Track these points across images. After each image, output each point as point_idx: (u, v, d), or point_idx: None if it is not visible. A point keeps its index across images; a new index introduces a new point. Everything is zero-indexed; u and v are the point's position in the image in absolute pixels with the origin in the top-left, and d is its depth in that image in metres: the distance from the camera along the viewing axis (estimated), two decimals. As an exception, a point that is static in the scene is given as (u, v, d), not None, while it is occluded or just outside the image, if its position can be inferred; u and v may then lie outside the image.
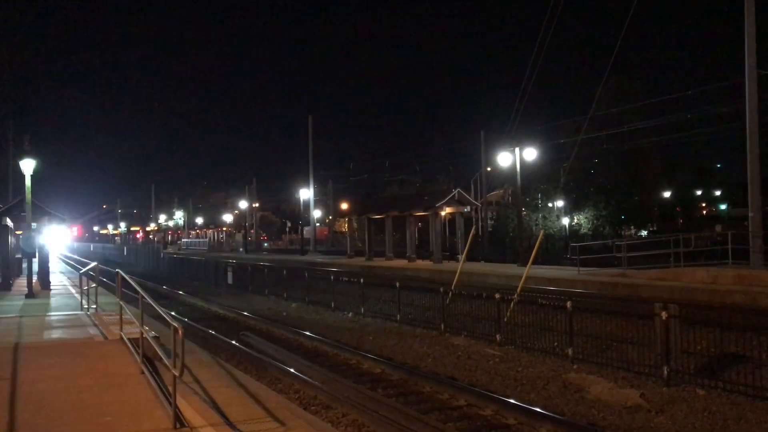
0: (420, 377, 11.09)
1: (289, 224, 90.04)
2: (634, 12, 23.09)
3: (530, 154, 28.89)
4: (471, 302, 15.10)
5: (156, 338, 8.75)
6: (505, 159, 29.32)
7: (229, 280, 31.66)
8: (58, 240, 72.47)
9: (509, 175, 38.32)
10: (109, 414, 6.25)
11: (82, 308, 14.85)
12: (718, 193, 75.69)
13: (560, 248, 37.20)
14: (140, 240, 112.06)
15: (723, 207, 70.59)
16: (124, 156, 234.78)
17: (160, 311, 6.59)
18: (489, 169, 47.84)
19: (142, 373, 7.82)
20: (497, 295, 14.10)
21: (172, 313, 8.45)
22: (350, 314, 19.29)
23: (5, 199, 31.26)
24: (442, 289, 15.88)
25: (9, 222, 21.50)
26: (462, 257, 21.88)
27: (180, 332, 5.66)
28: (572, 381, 10.69)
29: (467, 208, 34.92)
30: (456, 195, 31.63)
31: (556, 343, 12.52)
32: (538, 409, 8.95)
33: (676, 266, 20.08)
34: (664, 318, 10.41)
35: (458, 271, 18.88)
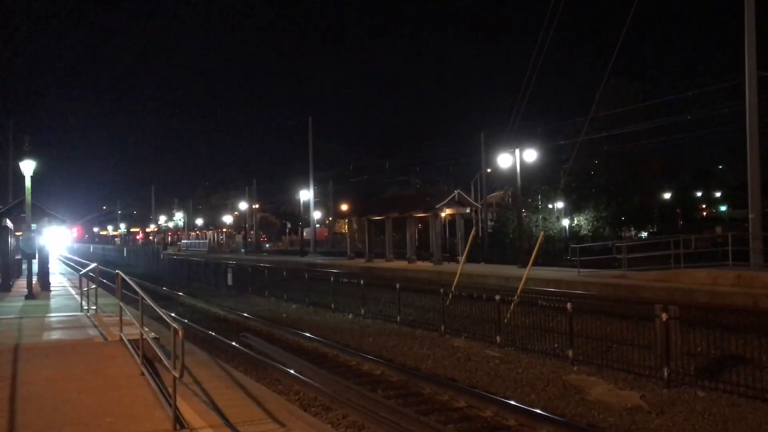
0: (420, 378, 11.07)
1: (289, 225, 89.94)
2: (634, 13, 23.14)
3: (530, 155, 28.94)
4: (471, 304, 15.06)
5: (156, 339, 8.73)
6: (505, 160, 29.36)
7: (229, 282, 31.62)
8: (57, 241, 72.33)
9: (509, 177, 38.32)
10: (109, 415, 6.25)
11: (82, 309, 14.84)
12: (718, 194, 75.77)
13: (560, 249, 37.20)
14: (140, 241, 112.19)
15: (723, 208, 70.57)
16: (124, 156, 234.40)
17: (160, 312, 6.60)
18: (489, 170, 47.85)
19: (142, 374, 7.82)
20: (497, 297, 14.08)
21: (172, 314, 8.44)
22: (350, 315, 19.28)
23: (5, 200, 31.23)
24: (442, 291, 15.85)
25: (9, 223, 21.47)
26: (462, 258, 21.87)
27: (180, 333, 5.66)
28: (572, 382, 10.68)
29: (467, 210, 34.99)
30: (456, 196, 31.66)
31: (556, 345, 12.50)
32: (539, 411, 8.93)
33: (677, 268, 20.08)
34: (664, 319, 10.40)
35: (458, 272, 18.87)
